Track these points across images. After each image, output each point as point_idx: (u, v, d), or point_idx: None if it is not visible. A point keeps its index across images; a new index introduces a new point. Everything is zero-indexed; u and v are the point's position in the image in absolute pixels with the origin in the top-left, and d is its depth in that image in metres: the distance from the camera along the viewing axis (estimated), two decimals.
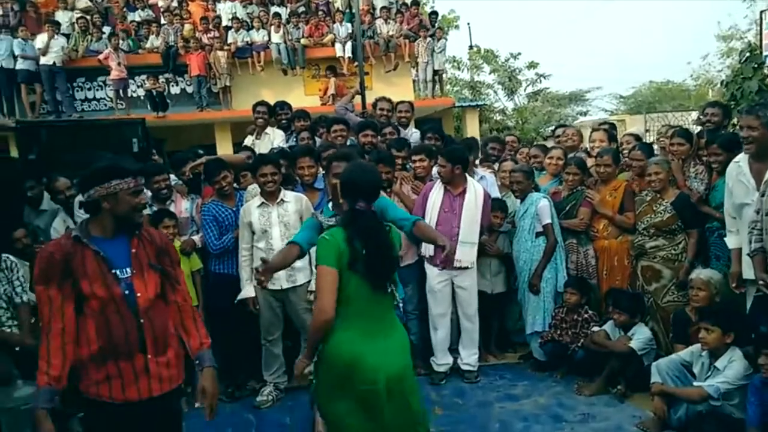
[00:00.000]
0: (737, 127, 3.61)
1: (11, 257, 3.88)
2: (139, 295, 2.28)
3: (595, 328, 4.29)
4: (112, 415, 2.24)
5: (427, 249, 4.39)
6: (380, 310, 2.50)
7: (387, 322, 2.54)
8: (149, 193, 4.30)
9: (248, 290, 4.17)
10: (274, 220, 4.10)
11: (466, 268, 4.38)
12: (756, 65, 10.57)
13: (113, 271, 2.25)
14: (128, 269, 2.28)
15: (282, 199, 4.15)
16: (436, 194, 4.39)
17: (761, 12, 11.05)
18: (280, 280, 4.07)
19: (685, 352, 3.66)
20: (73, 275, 2.19)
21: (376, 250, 2.40)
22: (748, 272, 3.52)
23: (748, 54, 10.99)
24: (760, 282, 3.24)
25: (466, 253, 4.34)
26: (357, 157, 4.14)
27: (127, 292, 2.25)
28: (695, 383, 3.46)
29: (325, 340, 2.42)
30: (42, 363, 2.17)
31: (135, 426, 2.28)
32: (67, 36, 11.54)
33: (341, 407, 2.45)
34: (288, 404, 4.20)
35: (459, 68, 21.63)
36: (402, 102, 6.32)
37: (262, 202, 4.14)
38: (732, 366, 3.34)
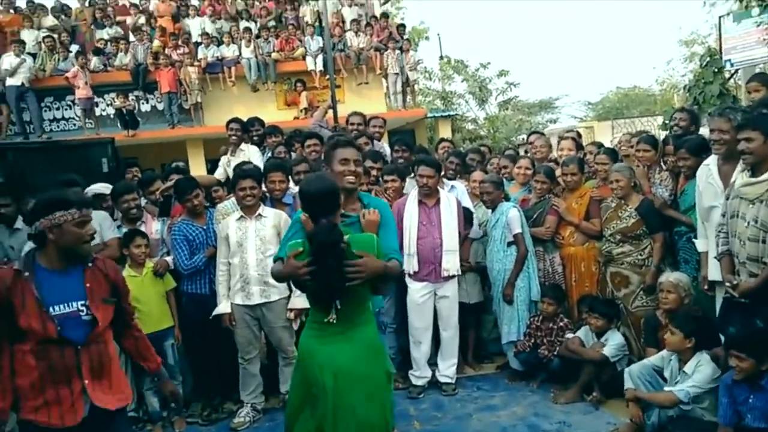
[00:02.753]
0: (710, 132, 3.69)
1: None
2: (98, 318, 2.32)
3: (569, 335, 4.35)
4: None
5: (410, 265, 4.38)
6: (343, 313, 2.48)
7: (350, 328, 2.51)
8: (101, 223, 4.17)
9: (224, 306, 4.15)
10: (250, 234, 4.09)
11: (452, 276, 4.43)
12: (716, 69, 10.88)
13: (47, 309, 2.24)
14: (74, 303, 2.29)
15: (260, 214, 4.15)
16: (411, 209, 4.42)
17: (720, 17, 11.38)
18: (254, 296, 4.06)
19: (656, 357, 3.73)
20: (12, 309, 2.19)
21: (321, 268, 2.39)
22: (716, 274, 3.61)
23: (708, 59, 11.31)
24: (727, 284, 3.32)
25: (450, 261, 4.40)
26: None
27: (59, 328, 2.24)
28: (666, 388, 3.52)
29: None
30: None
31: None
32: (34, 55, 11.38)
33: (296, 401, 2.58)
34: (266, 425, 4.16)
35: (430, 78, 21.83)
36: (375, 117, 6.41)
37: (241, 216, 4.15)
38: (700, 370, 3.40)
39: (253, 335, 4.19)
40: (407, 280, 4.47)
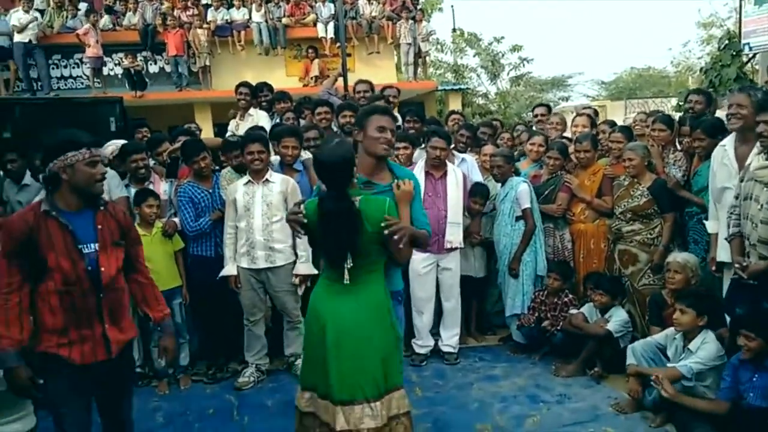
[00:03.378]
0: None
1: None
2: (103, 269, 2.37)
3: (573, 311, 4.36)
4: (70, 372, 2.36)
5: None
6: (353, 274, 2.52)
7: (360, 289, 2.54)
8: (109, 181, 4.16)
9: (230, 268, 4.17)
10: (257, 199, 4.09)
11: (454, 249, 4.43)
12: (734, 53, 10.72)
13: (79, 246, 2.32)
14: (93, 244, 2.36)
15: (267, 179, 4.13)
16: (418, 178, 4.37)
17: (741, 0, 11.14)
18: (259, 260, 4.08)
19: (660, 336, 3.74)
20: (38, 248, 2.25)
21: (329, 234, 2.46)
22: (724, 256, 3.60)
23: (726, 41, 11.14)
24: (736, 265, 3.31)
25: (454, 234, 4.40)
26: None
27: (90, 267, 2.33)
28: (669, 364, 3.54)
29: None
30: (1, 329, 2.26)
31: (92, 381, 2.44)
32: (42, 12, 11.25)
33: (307, 351, 2.66)
34: (269, 386, 4.21)
35: (442, 50, 21.53)
36: (389, 86, 6.39)
37: (249, 180, 4.14)
38: (705, 348, 3.42)
39: (258, 298, 4.21)
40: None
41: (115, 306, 2.44)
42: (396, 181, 2.74)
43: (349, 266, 2.49)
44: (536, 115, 6.16)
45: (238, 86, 6.20)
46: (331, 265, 2.58)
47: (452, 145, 4.80)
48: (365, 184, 2.70)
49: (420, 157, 4.70)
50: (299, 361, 4.27)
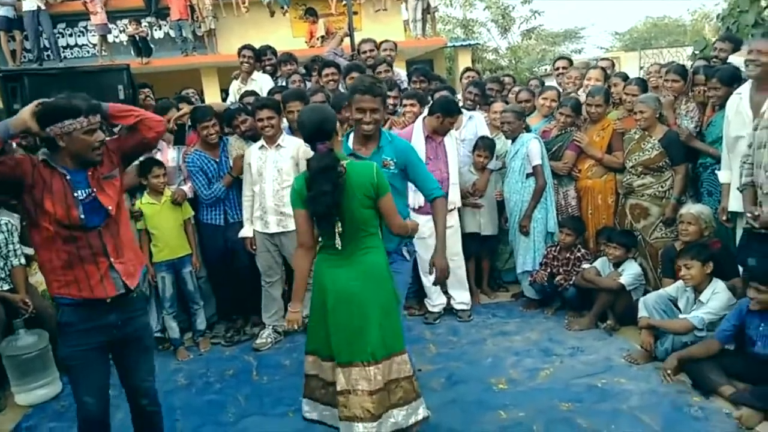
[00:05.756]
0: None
1: (11, 220, 3.95)
2: (110, 207, 2.38)
3: (586, 266, 4.37)
4: (82, 309, 2.37)
5: (416, 201, 4.32)
6: (346, 242, 2.56)
7: (355, 254, 2.59)
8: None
9: (247, 230, 4.27)
10: (269, 164, 4.13)
11: (455, 208, 4.43)
12: None
13: (74, 193, 2.32)
14: (86, 190, 2.35)
15: (279, 144, 4.14)
16: (417, 142, 4.22)
17: None
18: (271, 225, 4.14)
19: (671, 288, 3.74)
20: (39, 188, 2.27)
21: (315, 192, 2.48)
22: (736, 205, 3.57)
23: None
24: (748, 215, 3.28)
25: (455, 194, 4.40)
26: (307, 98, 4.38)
27: (83, 216, 2.32)
28: (680, 316, 3.56)
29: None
30: None
31: (107, 318, 2.41)
32: None
33: (313, 318, 2.74)
34: (286, 346, 4.30)
35: (451, 5, 21.02)
36: (386, 41, 6.27)
37: (262, 145, 4.18)
38: (716, 298, 3.43)
39: (274, 261, 4.27)
40: (412, 214, 4.44)
41: (116, 239, 2.43)
42: (384, 159, 2.94)
43: (339, 230, 2.53)
44: (557, 68, 5.99)
45: (241, 49, 6.10)
46: (325, 233, 2.62)
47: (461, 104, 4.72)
48: (350, 155, 2.82)
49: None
50: None
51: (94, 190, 2.36)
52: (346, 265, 2.59)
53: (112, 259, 2.39)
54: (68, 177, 2.32)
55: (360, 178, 2.53)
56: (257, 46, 6.22)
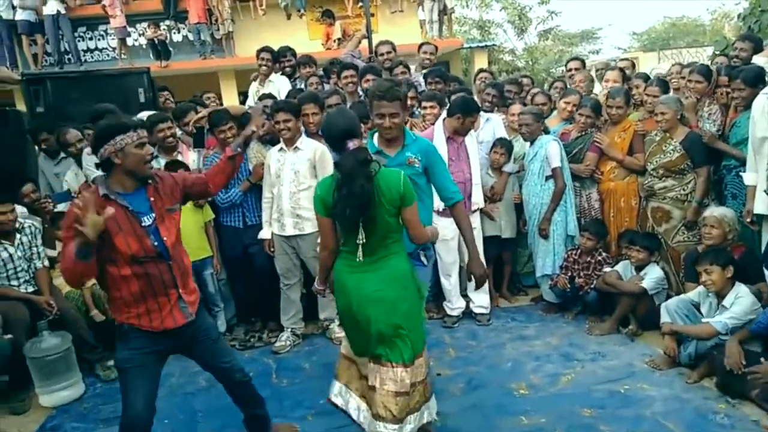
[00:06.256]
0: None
1: (35, 223, 4.01)
2: (165, 239, 2.45)
3: (607, 269, 4.32)
4: (146, 336, 2.47)
5: (439, 204, 4.34)
6: (368, 253, 2.56)
7: (377, 262, 2.58)
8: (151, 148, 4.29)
9: (265, 232, 4.28)
10: (287, 167, 4.13)
11: (478, 209, 4.42)
12: None
13: (143, 224, 2.40)
14: (150, 215, 2.43)
15: (297, 147, 4.15)
16: (439, 143, 4.20)
17: None
18: (287, 227, 4.15)
19: (694, 293, 3.69)
20: (106, 230, 2.28)
21: (345, 194, 2.46)
22: (762, 208, 3.51)
23: None
24: None
25: (478, 194, 4.39)
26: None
27: (156, 243, 2.42)
28: (703, 320, 3.50)
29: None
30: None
31: (178, 346, 2.60)
32: None
33: (344, 324, 2.78)
34: (305, 349, 4.31)
35: (467, 6, 20.96)
36: (427, 43, 6.37)
37: (281, 148, 4.19)
38: (739, 302, 3.36)
39: (292, 263, 4.27)
40: (435, 217, 4.42)
41: (182, 270, 2.54)
42: (409, 156, 3.01)
43: (362, 241, 2.52)
44: (569, 69, 5.95)
45: (259, 51, 6.14)
46: (347, 239, 2.61)
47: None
48: (377, 153, 2.96)
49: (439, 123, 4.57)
50: (333, 325, 4.37)
51: (156, 218, 2.44)
52: (370, 271, 2.58)
53: (180, 291, 2.51)
54: (131, 208, 2.38)
55: (388, 185, 2.51)
56: (275, 48, 6.25)
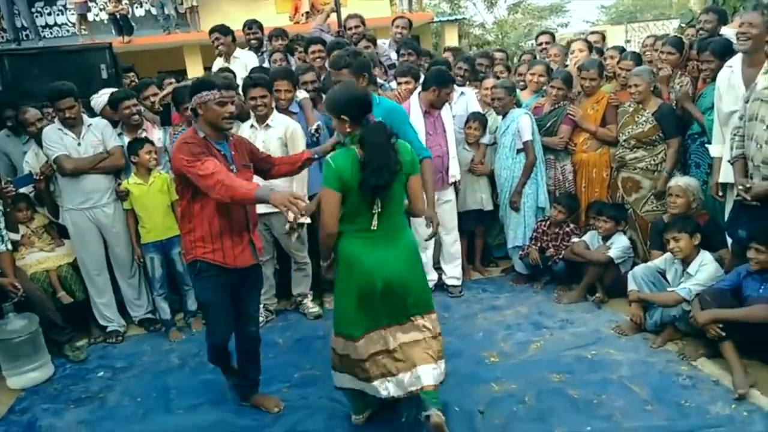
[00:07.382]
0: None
1: None
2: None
3: (575, 240, 4.40)
4: (220, 273, 2.80)
5: None
6: (383, 223, 2.61)
7: (391, 234, 2.65)
8: (102, 131, 4.21)
9: None
10: (257, 144, 4.04)
11: (455, 182, 4.46)
12: None
13: (231, 167, 2.75)
14: (233, 166, 2.77)
15: (268, 124, 4.07)
16: (415, 118, 4.19)
17: None
18: (259, 206, 4.07)
19: (660, 260, 3.78)
20: None
21: (376, 166, 2.48)
22: (727, 177, 3.58)
23: None
24: (739, 186, 3.29)
25: (455, 167, 4.41)
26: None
27: None
28: (669, 288, 3.60)
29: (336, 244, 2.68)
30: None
31: (238, 283, 2.90)
32: None
33: (344, 297, 2.71)
34: (279, 324, 4.31)
35: None
36: (400, 17, 6.20)
37: (252, 124, 4.10)
38: (703, 269, 3.46)
39: (265, 241, 4.23)
40: None
41: (253, 219, 2.92)
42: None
43: (378, 210, 2.57)
44: (540, 44, 5.96)
45: (210, 32, 5.65)
46: (355, 213, 2.59)
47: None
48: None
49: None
50: (306, 300, 4.38)
51: (237, 168, 2.77)
52: (387, 246, 2.63)
53: (251, 233, 2.88)
54: (223, 152, 2.74)
55: (403, 153, 2.61)
56: (241, 22, 6.06)
